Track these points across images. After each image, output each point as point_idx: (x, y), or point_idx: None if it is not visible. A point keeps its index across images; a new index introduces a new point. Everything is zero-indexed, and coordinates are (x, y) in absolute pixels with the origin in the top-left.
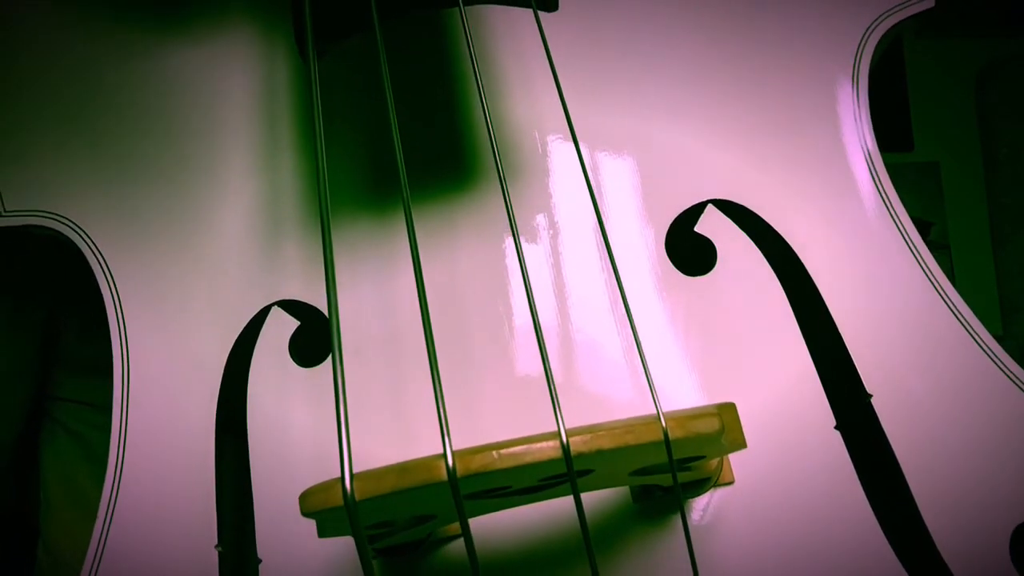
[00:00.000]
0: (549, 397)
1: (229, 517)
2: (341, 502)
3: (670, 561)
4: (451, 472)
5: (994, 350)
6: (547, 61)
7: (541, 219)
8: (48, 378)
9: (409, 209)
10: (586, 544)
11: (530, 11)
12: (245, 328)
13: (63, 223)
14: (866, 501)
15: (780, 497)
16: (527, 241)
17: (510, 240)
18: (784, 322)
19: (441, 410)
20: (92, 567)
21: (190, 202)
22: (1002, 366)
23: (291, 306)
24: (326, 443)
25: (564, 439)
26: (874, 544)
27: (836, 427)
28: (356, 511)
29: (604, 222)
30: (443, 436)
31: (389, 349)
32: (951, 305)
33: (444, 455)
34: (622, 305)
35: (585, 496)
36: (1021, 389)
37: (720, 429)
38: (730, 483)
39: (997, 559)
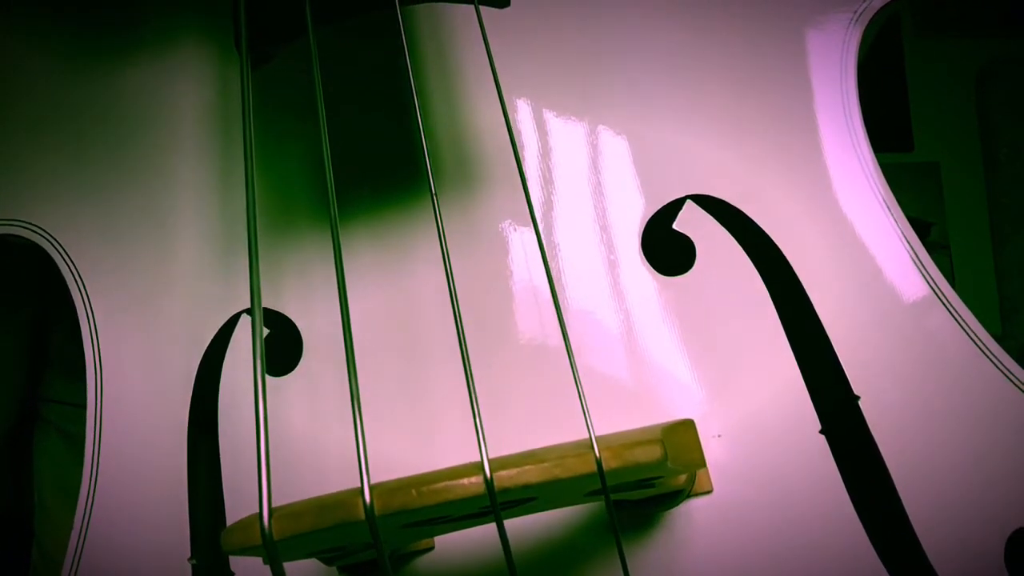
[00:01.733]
0: (514, 411)
1: (202, 530)
2: (259, 541)
3: (643, 572)
4: (368, 510)
5: (991, 348)
6: (509, 62)
7: (506, 226)
8: (40, 380)
9: (335, 221)
10: (510, 568)
11: (495, 10)
12: (215, 336)
13: (34, 231)
14: (854, 509)
15: (761, 506)
16: (493, 247)
17: (468, 248)
18: (767, 321)
19: (361, 446)
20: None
21: (154, 209)
22: (1000, 365)
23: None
24: (298, 455)
25: (488, 474)
26: (861, 554)
27: (821, 431)
28: (276, 551)
29: (542, 226)
30: (361, 475)
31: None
32: (946, 302)
33: (361, 492)
34: (600, 312)
35: None
36: (1020, 389)
37: (662, 457)
38: (708, 492)
39: (991, 568)
